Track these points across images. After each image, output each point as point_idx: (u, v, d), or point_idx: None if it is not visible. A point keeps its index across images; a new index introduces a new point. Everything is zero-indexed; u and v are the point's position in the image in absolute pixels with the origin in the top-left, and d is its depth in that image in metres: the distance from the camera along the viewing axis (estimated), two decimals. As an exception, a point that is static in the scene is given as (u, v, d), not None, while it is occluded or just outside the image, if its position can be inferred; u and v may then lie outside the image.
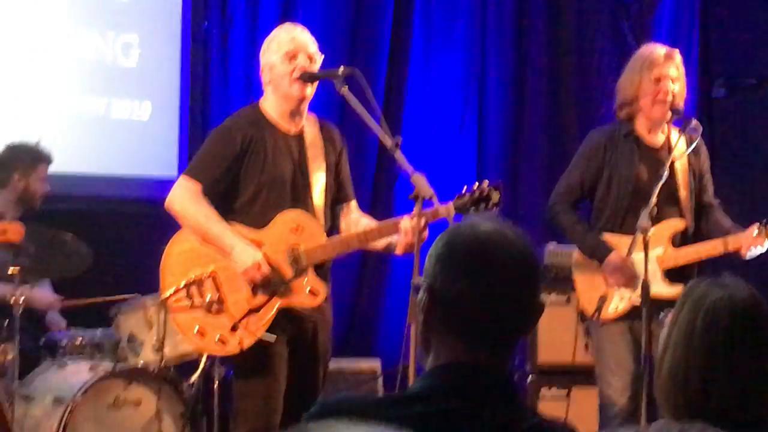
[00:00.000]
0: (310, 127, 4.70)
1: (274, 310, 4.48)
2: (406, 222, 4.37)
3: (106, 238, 6.06)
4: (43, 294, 5.87)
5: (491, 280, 2.04)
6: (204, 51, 6.97)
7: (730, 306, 2.29)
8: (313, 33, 6.98)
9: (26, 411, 5.25)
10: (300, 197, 4.59)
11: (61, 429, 5.09)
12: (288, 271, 4.50)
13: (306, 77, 4.56)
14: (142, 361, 5.44)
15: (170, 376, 5.41)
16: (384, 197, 7.10)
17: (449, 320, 2.07)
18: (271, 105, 4.64)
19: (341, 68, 4.60)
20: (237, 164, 4.52)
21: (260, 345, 4.45)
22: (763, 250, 5.01)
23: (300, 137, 4.66)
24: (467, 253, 2.07)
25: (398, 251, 4.52)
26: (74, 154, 6.61)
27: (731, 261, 5.00)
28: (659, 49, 5.18)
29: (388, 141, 4.36)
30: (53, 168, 6.13)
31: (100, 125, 6.72)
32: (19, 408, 5.18)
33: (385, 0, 7.19)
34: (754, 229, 4.99)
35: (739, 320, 2.28)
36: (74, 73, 6.68)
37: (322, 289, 4.55)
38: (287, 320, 4.52)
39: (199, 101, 6.95)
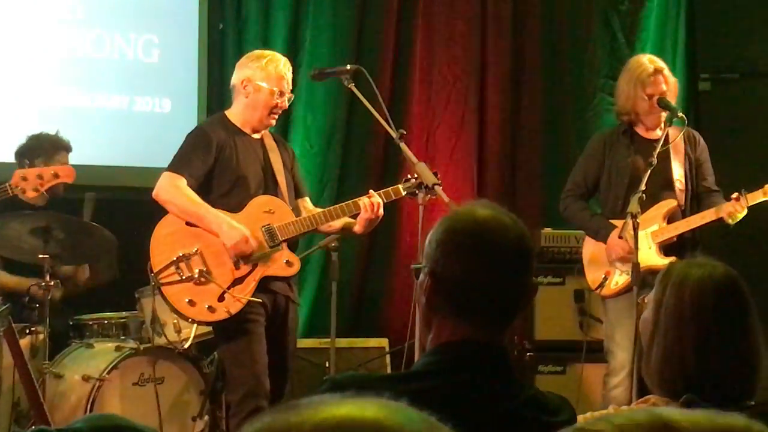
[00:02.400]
0: (266, 135, 5.00)
1: (256, 280, 4.74)
2: (365, 200, 4.73)
3: (128, 225, 6.07)
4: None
5: (489, 262, 2.07)
6: (220, 49, 6.99)
7: (713, 284, 2.30)
8: (322, 33, 7.05)
9: (56, 388, 5.28)
10: (270, 192, 4.88)
11: (89, 405, 5.12)
12: (265, 246, 4.76)
13: (317, 75, 4.81)
14: (164, 341, 5.46)
15: (191, 355, 5.44)
16: (390, 186, 7.10)
17: (450, 301, 2.09)
18: (237, 116, 4.92)
19: (348, 65, 4.74)
20: (212, 162, 4.79)
21: (243, 315, 4.70)
22: (744, 214, 5.10)
23: (261, 142, 4.95)
24: (467, 237, 2.10)
25: (357, 228, 4.85)
26: (100, 148, 6.65)
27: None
28: (648, 65, 5.29)
29: (393, 133, 4.45)
30: (82, 160, 6.16)
31: (124, 120, 6.74)
32: (50, 385, 5.21)
33: (389, 2, 7.19)
34: (734, 198, 5.10)
35: (723, 296, 2.29)
36: (100, 71, 6.69)
37: (296, 260, 4.85)
38: (264, 293, 4.77)
39: (216, 96, 6.96)
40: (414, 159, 4.37)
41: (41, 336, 5.25)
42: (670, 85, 5.28)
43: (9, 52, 6.43)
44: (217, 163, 4.79)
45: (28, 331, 5.32)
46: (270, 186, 4.87)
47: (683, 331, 2.28)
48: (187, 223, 4.76)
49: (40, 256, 5.16)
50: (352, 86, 4.65)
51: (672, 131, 5.26)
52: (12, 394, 5.08)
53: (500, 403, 2.04)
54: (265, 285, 4.77)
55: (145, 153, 6.80)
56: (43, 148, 5.90)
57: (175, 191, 4.73)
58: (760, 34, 7.20)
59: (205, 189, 4.78)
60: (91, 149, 6.53)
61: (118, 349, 5.37)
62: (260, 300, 4.71)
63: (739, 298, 2.32)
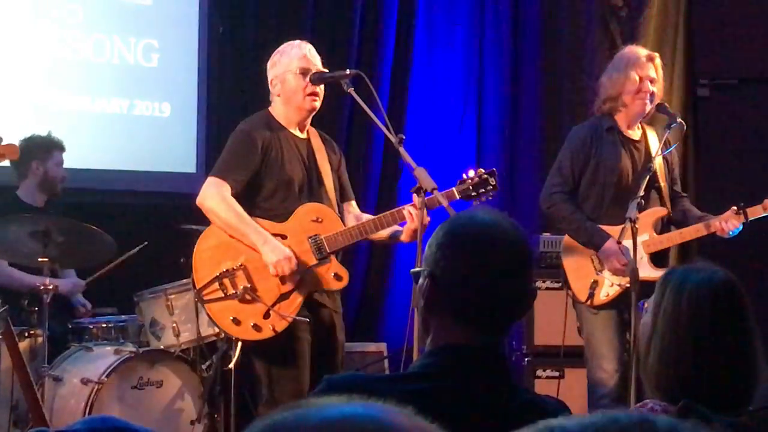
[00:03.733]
0: (313, 135, 4.81)
1: (303, 295, 4.54)
2: (413, 209, 4.45)
3: (128, 229, 6.08)
4: (65, 281, 5.90)
5: (490, 265, 2.08)
6: (220, 54, 6.99)
7: (711, 288, 2.30)
8: (321, 37, 7.04)
9: (55, 391, 5.28)
10: (315, 194, 4.67)
11: (87, 408, 5.12)
12: (312, 259, 4.56)
13: (316, 79, 4.64)
14: (163, 345, 5.47)
15: (190, 359, 5.44)
16: (389, 190, 7.12)
17: (449, 303, 2.10)
18: (280, 113, 4.73)
19: (348, 70, 4.66)
20: (258, 164, 4.59)
21: (287, 332, 4.50)
22: (739, 230, 5.05)
23: (308, 141, 4.76)
24: (467, 240, 2.11)
25: (404, 238, 4.61)
26: (100, 151, 6.66)
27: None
28: (641, 51, 5.23)
29: (392, 137, 4.40)
30: (81, 164, 6.18)
31: (123, 124, 6.74)
32: (49, 388, 5.21)
33: (389, 5, 7.20)
34: (732, 212, 5.05)
35: (720, 301, 2.29)
36: (99, 75, 6.70)
37: (346, 274, 4.62)
38: (308, 308, 4.58)
39: (216, 101, 6.97)
40: (413, 164, 4.33)
41: (40, 339, 5.25)
42: (659, 77, 5.18)
43: (9, 54, 6.44)
44: (263, 164, 4.58)
45: (27, 335, 5.32)
46: (315, 188, 4.67)
47: (679, 335, 2.28)
48: (231, 235, 4.55)
49: (40, 259, 5.16)
50: (351, 91, 4.59)
51: (649, 133, 5.24)
52: (11, 396, 5.08)
53: (497, 406, 2.05)
54: (308, 300, 4.58)
55: (145, 157, 6.82)
56: (37, 150, 5.91)
57: (219, 202, 4.51)
58: (759, 40, 7.21)
59: (250, 191, 4.59)
60: (90, 153, 6.55)
61: (117, 352, 5.38)
62: (307, 319, 4.52)
63: (736, 303, 2.31)
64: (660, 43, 7.20)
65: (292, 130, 4.71)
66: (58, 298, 5.56)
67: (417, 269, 2.19)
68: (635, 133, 5.25)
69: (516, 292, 2.11)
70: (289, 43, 4.86)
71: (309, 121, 4.77)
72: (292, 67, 4.66)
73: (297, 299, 4.53)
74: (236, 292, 4.50)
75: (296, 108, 4.68)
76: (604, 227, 5.06)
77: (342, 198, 4.86)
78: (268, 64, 4.79)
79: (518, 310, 2.16)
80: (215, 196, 4.53)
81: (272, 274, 4.48)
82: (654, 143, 5.20)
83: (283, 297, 4.51)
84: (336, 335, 4.69)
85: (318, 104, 4.71)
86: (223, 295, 4.51)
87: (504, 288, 2.09)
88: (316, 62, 4.72)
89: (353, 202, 4.93)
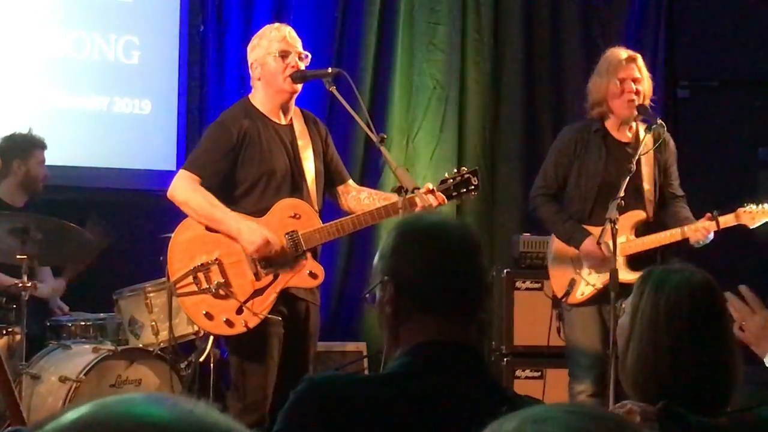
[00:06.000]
0: (296, 118, 4.73)
1: (277, 291, 4.51)
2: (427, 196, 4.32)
3: (107, 226, 6.06)
4: (43, 285, 5.86)
5: (444, 254, 2.17)
6: (201, 51, 6.97)
7: (689, 289, 2.32)
8: (303, 35, 7.01)
9: (33, 389, 5.26)
10: (297, 185, 4.61)
11: (65, 406, 5.10)
12: (288, 255, 4.52)
13: (298, 77, 4.60)
14: (142, 343, 5.46)
15: (169, 357, 5.43)
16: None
17: (415, 299, 2.16)
18: (260, 99, 4.66)
19: (330, 68, 4.65)
20: (234, 156, 4.53)
21: (259, 328, 4.48)
22: (710, 239, 5.06)
23: (291, 127, 4.69)
24: (419, 236, 2.20)
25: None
26: (79, 149, 6.63)
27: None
28: (622, 53, 5.23)
29: (373, 136, 4.39)
30: (60, 161, 6.15)
31: (103, 121, 6.72)
32: (26, 387, 5.19)
33: (371, 5, 7.20)
34: (706, 219, 5.06)
35: (699, 302, 2.31)
36: (79, 72, 6.68)
37: (321, 272, 4.58)
38: (283, 301, 4.55)
39: (197, 99, 6.95)
40: (394, 163, 4.34)
41: (18, 337, 5.23)
42: (644, 76, 5.19)
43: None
44: (240, 155, 4.52)
45: (5, 332, 5.30)
46: (297, 181, 4.59)
47: (657, 336, 2.29)
48: (207, 228, 4.50)
49: (18, 256, 5.14)
50: (333, 89, 4.58)
51: (643, 134, 5.24)
52: (-12, 394, 5.05)
53: (477, 405, 2.06)
54: (284, 293, 4.54)
55: (125, 154, 6.80)
56: (17, 148, 5.88)
57: (191, 192, 4.47)
58: (740, 41, 7.25)
59: (227, 186, 4.54)
60: (70, 150, 6.53)
61: (95, 350, 5.36)
62: (279, 318, 4.49)
63: (714, 305, 2.33)
64: (641, 43, 7.22)
65: (273, 118, 4.64)
66: (37, 297, 5.54)
67: (369, 288, 2.23)
68: (625, 135, 5.25)
69: (473, 274, 2.19)
70: (269, 25, 4.83)
71: (292, 104, 4.71)
72: (272, 49, 4.61)
73: (270, 296, 4.50)
74: (210, 287, 4.47)
75: (277, 91, 4.62)
76: (591, 228, 5.07)
77: (338, 181, 4.83)
78: (248, 48, 4.73)
79: (477, 293, 2.21)
80: (185, 188, 4.50)
81: (252, 255, 4.45)
82: (647, 143, 5.19)
83: (257, 293, 4.49)
84: (309, 329, 4.67)
85: (299, 86, 4.64)
86: (196, 289, 4.48)
87: (462, 271, 2.17)
88: (297, 45, 4.67)
89: (350, 182, 4.88)
